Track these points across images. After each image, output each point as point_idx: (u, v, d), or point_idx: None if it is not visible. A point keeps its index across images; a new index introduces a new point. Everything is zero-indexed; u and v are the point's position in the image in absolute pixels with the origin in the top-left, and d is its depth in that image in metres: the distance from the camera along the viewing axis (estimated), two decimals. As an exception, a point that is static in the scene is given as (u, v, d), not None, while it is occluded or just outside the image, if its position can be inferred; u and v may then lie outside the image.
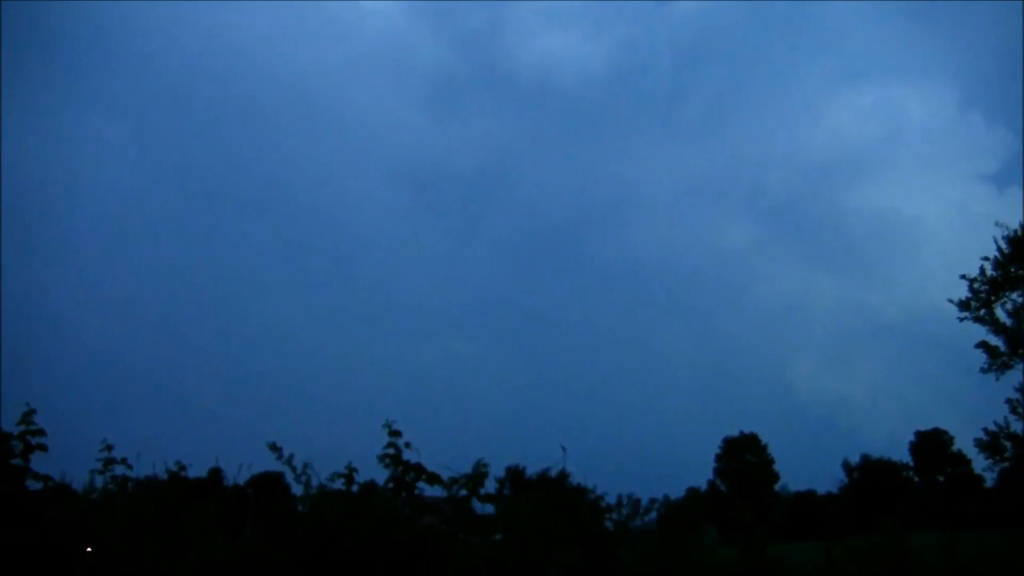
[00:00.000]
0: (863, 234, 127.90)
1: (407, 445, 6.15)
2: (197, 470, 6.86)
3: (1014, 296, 31.88)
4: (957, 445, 68.90)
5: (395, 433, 6.15)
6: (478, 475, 6.20)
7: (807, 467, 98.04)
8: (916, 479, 73.20)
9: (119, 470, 6.33)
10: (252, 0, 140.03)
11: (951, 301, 32.33)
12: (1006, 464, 33.11)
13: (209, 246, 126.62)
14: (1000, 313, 31.88)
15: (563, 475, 7.44)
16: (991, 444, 32.43)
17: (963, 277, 32.22)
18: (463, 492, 6.19)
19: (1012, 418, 31.46)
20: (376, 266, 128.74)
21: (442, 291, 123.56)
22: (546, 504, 6.83)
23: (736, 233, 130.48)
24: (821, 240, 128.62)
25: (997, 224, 31.84)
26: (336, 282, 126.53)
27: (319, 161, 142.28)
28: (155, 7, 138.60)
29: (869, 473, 71.73)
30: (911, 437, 73.14)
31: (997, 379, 31.56)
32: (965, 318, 32.09)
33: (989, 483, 49.27)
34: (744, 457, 77.07)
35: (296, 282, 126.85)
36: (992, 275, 31.97)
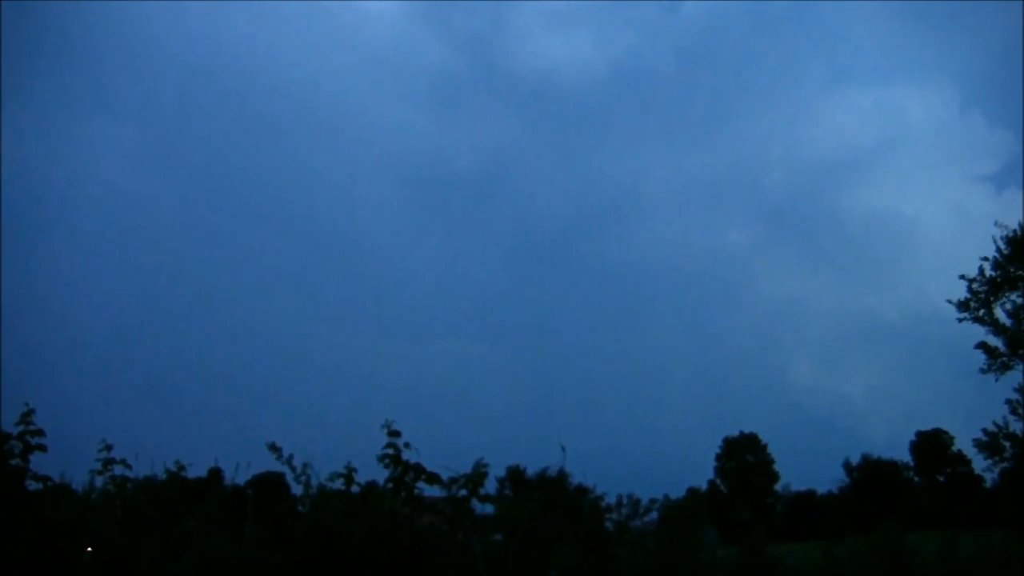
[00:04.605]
0: (863, 235, 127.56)
1: (406, 445, 6.15)
2: (197, 470, 6.87)
3: (1013, 296, 31.92)
4: (957, 445, 68.96)
5: (394, 433, 6.15)
6: (478, 475, 6.20)
7: (807, 467, 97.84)
8: (916, 479, 73.29)
9: (118, 470, 6.32)
10: (255, 2, 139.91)
11: (950, 302, 32.38)
12: (1006, 464, 33.14)
13: (210, 247, 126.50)
14: (999, 313, 31.94)
15: (563, 475, 7.44)
16: (990, 444, 32.47)
17: (962, 277, 32.27)
18: (463, 492, 6.19)
19: (1012, 418, 31.52)
20: (377, 267, 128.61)
21: (443, 292, 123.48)
22: (546, 504, 6.84)
23: (736, 234, 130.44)
24: (821, 241, 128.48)
25: (996, 224, 31.91)
26: (337, 283, 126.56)
27: (321, 163, 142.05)
28: (158, 9, 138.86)
29: (869, 473, 71.80)
30: (911, 437, 73.35)
31: (997, 379, 31.62)
32: (964, 319, 32.15)
33: (989, 483, 49.31)
34: (744, 457, 77.13)
35: (297, 283, 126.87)
36: (991, 275, 32.00)
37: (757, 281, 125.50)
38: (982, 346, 31.91)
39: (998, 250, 31.96)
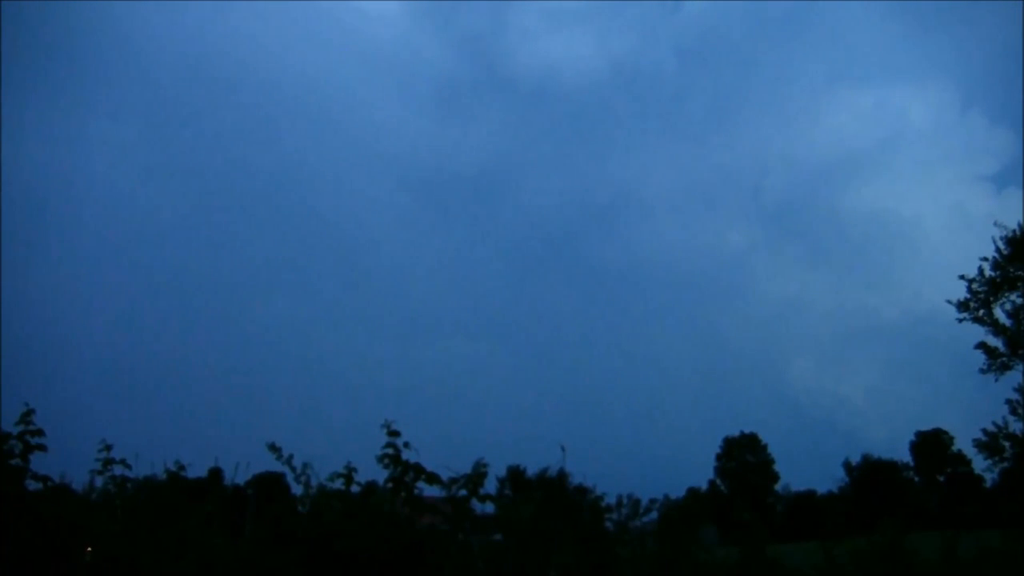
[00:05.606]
0: (862, 235, 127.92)
1: (406, 445, 6.14)
2: (197, 470, 6.86)
3: (1013, 297, 31.93)
4: (957, 445, 69.12)
5: (394, 433, 6.14)
6: (478, 475, 6.19)
7: (807, 467, 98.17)
8: (916, 479, 73.30)
9: (118, 470, 6.32)
10: (257, 3, 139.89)
11: (950, 302, 32.40)
12: (1006, 464, 33.14)
13: (210, 247, 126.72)
14: (999, 314, 31.95)
15: (563, 475, 7.44)
16: (990, 444, 32.48)
17: (962, 278, 32.28)
18: (463, 492, 6.19)
19: (1011, 418, 31.53)
20: (378, 267, 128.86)
21: (443, 292, 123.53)
22: (546, 504, 6.84)
23: (736, 234, 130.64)
24: (821, 241, 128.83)
25: (996, 224, 31.91)
26: (338, 283, 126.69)
27: (322, 164, 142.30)
28: (158, 9, 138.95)
29: (870, 473, 71.82)
30: (911, 437, 73.40)
31: (996, 379, 31.64)
32: (964, 319, 32.18)
33: (989, 483, 49.34)
34: (744, 457, 77.15)
35: (298, 283, 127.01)
36: (991, 276, 32.01)
37: (757, 281, 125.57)
38: (982, 346, 31.96)
39: (998, 250, 31.99)
